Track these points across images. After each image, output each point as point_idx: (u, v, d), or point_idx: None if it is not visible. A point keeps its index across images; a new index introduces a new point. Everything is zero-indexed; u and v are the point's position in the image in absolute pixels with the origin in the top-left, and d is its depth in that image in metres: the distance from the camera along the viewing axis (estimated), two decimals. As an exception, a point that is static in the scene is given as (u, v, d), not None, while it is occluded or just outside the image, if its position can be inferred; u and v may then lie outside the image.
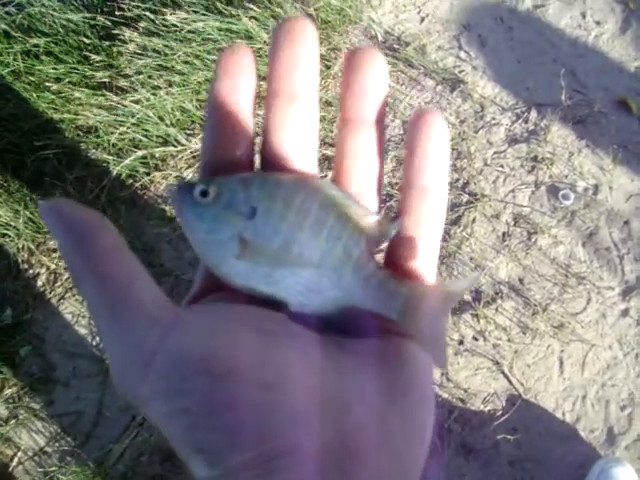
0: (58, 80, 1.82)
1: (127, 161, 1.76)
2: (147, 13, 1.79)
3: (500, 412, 1.57)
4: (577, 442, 1.55)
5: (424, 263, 0.32)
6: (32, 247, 1.76)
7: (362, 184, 0.32)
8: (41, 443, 1.62)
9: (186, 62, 1.77)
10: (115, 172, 1.78)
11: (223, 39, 1.78)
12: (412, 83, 1.88)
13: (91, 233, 0.27)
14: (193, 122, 1.83)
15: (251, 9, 1.80)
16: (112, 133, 1.77)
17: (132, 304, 0.27)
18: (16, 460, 1.60)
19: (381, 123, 0.31)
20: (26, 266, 1.76)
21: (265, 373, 0.26)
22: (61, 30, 1.83)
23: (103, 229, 0.28)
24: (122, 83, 1.79)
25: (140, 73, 1.78)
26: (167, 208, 1.78)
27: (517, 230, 1.72)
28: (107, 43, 1.84)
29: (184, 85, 1.78)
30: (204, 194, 0.30)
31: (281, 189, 0.30)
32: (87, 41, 1.83)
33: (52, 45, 1.83)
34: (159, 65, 1.78)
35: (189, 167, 1.81)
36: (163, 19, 1.78)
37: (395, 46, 1.91)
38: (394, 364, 0.30)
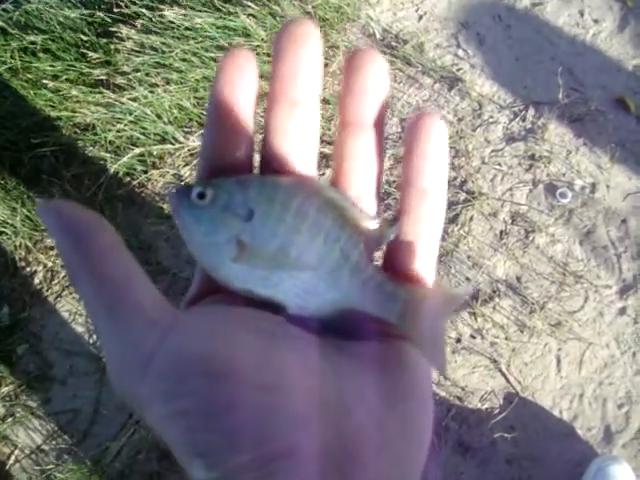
0: (55, 77, 1.81)
1: (124, 159, 1.76)
2: (144, 10, 1.79)
3: (497, 410, 1.57)
4: (574, 440, 1.55)
5: (423, 266, 0.32)
6: (29, 245, 1.75)
7: (361, 187, 0.31)
8: (38, 441, 1.62)
9: (184, 59, 1.77)
10: (112, 170, 1.78)
11: (221, 36, 1.78)
12: (410, 81, 1.88)
13: (89, 233, 0.27)
14: (191, 120, 1.83)
15: (249, 6, 1.80)
16: (109, 131, 1.77)
17: (130, 305, 0.27)
18: (13, 458, 1.60)
19: (381, 126, 0.31)
20: (23, 264, 1.76)
21: (265, 375, 0.26)
22: (58, 27, 1.83)
23: (101, 229, 0.28)
24: (119, 80, 1.78)
25: (137, 70, 1.78)
26: (164, 206, 1.78)
27: (514, 228, 1.72)
28: (104, 40, 1.83)
29: (182, 83, 1.78)
30: (201, 196, 0.30)
31: (279, 191, 0.30)
32: (84, 38, 1.82)
33: (49, 42, 1.82)
34: (157, 62, 1.78)
35: (187, 165, 1.81)
36: (160, 16, 1.78)
37: (393, 44, 1.91)
38: (394, 368, 0.30)
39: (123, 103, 1.74)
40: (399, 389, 0.29)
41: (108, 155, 1.78)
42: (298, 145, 0.30)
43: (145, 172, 1.80)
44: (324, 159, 1.73)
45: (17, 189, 1.77)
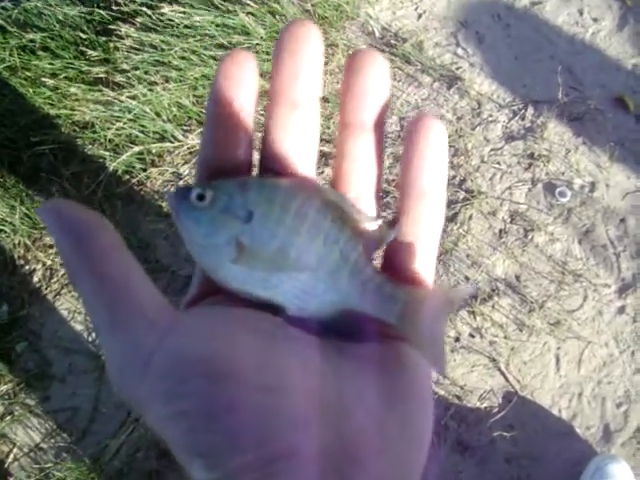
0: (54, 75, 1.81)
1: (123, 157, 1.76)
2: (144, 8, 1.79)
3: (496, 409, 1.57)
4: (573, 439, 1.55)
5: (422, 267, 0.32)
6: (28, 243, 1.75)
7: (360, 188, 0.31)
8: (37, 439, 1.61)
9: (183, 58, 1.77)
10: (111, 168, 1.77)
11: (220, 35, 1.78)
12: (409, 80, 1.88)
13: (90, 233, 0.27)
14: (190, 118, 1.83)
15: (248, 4, 1.80)
16: (108, 129, 1.76)
17: (130, 305, 0.27)
18: (12, 456, 1.60)
19: (381, 127, 0.31)
20: (22, 262, 1.76)
21: (265, 376, 0.26)
22: (57, 25, 1.82)
23: (102, 229, 0.28)
24: (119, 78, 1.78)
25: (137, 68, 1.78)
26: (163, 204, 1.77)
27: (514, 227, 1.72)
28: (104, 38, 1.83)
29: (181, 81, 1.77)
30: (201, 198, 0.30)
31: (278, 193, 0.30)
32: (83, 36, 1.82)
33: (48, 40, 1.82)
34: (156, 60, 1.77)
35: (185, 163, 1.81)
36: (160, 14, 1.78)
37: (392, 42, 1.91)
38: (394, 369, 0.30)
39: (122, 101, 1.74)
40: (399, 390, 0.29)
41: (107, 153, 1.78)
42: (298, 146, 0.30)
43: (144, 170, 1.79)
44: (322, 157, 1.72)
45: (16, 187, 1.77)
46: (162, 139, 1.80)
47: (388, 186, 1.71)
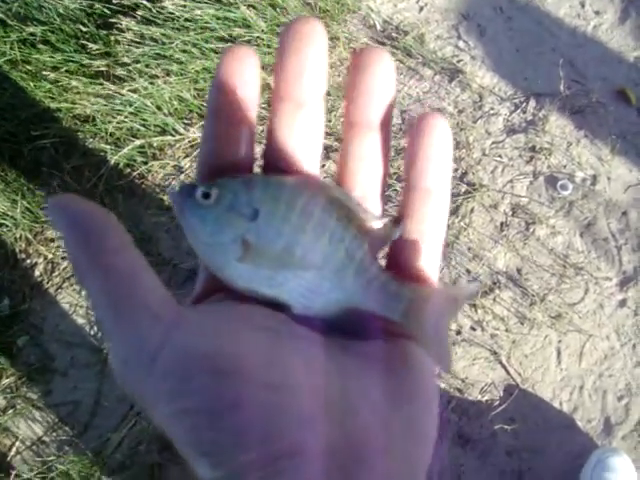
0: (55, 69, 1.81)
1: (125, 150, 1.76)
2: (144, 1, 1.78)
3: (497, 402, 1.58)
4: (574, 432, 1.56)
5: (427, 265, 0.32)
6: (29, 237, 1.75)
7: (366, 187, 0.31)
8: (39, 433, 1.62)
9: (184, 51, 1.76)
10: (113, 161, 1.77)
11: (221, 28, 1.77)
12: (410, 73, 1.88)
13: (97, 229, 0.27)
14: (191, 111, 1.83)
15: (249, -3, 1.80)
16: (109, 122, 1.76)
17: (137, 301, 0.27)
18: (14, 450, 1.61)
19: (387, 126, 0.31)
20: (23, 256, 1.76)
21: (270, 373, 0.26)
22: (58, 18, 1.82)
23: (110, 225, 0.28)
24: (119, 72, 1.78)
25: (137, 62, 1.77)
26: (165, 197, 1.77)
27: (515, 220, 1.72)
28: (104, 31, 1.83)
29: (182, 74, 1.77)
30: (206, 196, 0.30)
31: (284, 191, 0.30)
32: (84, 29, 1.82)
33: (49, 34, 1.81)
34: (157, 54, 1.77)
35: (187, 156, 1.81)
36: (160, 7, 1.78)
37: (393, 35, 1.91)
38: (399, 367, 0.30)
39: (123, 95, 1.73)
40: (404, 388, 0.29)
41: (108, 147, 1.78)
42: (303, 144, 0.30)
43: (145, 163, 1.79)
44: (324, 150, 1.72)
45: (17, 181, 1.77)
46: (163, 132, 1.80)
47: (389, 179, 1.70)
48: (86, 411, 1.62)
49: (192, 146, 1.81)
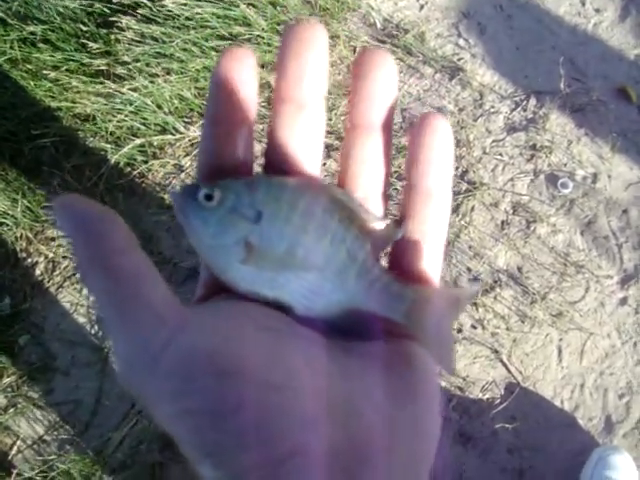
0: (55, 68, 1.81)
1: (125, 149, 1.75)
2: (144, 0, 1.78)
3: (498, 400, 1.58)
4: (575, 430, 1.56)
5: (429, 266, 0.32)
6: (30, 236, 1.75)
7: (368, 189, 0.31)
8: (40, 432, 1.62)
9: (184, 49, 1.76)
10: (113, 160, 1.77)
11: (221, 26, 1.77)
12: (411, 71, 1.88)
13: (103, 230, 0.27)
14: (191, 110, 1.83)
15: (249, -4, 1.80)
16: (110, 121, 1.76)
17: (141, 301, 0.27)
18: (15, 449, 1.61)
19: (389, 128, 0.31)
20: (24, 255, 1.76)
21: (273, 374, 0.26)
22: (58, 17, 1.82)
23: (115, 226, 0.27)
24: (120, 71, 1.78)
25: (138, 61, 1.77)
26: (165, 196, 1.77)
27: (516, 219, 1.71)
28: (104, 30, 1.83)
29: (182, 73, 1.77)
30: (209, 198, 0.30)
31: (286, 192, 0.29)
32: (84, 28, 1.81)
33: (49, 33, 1.81)
34: (157, 52, 1.77)
35: (187, 155, 1.81)
36: (161, 6, 1.77)
37: (394, 33, 1.90)
38: (401, 368, 0.30)
39: (123, 93, 1.73)
40: (407, 389, 0.29)
41: (108, 146, 1.78)
42: (304, 146, 0.30)
43: (146, 162, 1.79)
44: (325, 149, 1.72)
45: (17, 180, 1.77)
46: (163, 131, 1.80)
47: (389, 178, 1.70)
48: (87, 410, 1.62)
49: (192, 145, 1.81)
